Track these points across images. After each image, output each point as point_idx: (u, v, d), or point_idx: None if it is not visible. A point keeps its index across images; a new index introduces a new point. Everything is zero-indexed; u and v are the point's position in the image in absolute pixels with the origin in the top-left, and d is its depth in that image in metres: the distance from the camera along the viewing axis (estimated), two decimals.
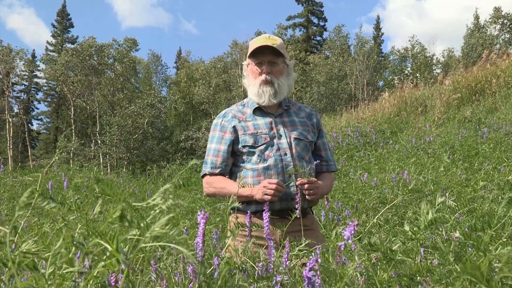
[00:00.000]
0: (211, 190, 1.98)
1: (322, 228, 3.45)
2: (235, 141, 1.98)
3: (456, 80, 11.69)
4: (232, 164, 2.03)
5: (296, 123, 2.03)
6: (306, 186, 1.81)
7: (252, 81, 2.03)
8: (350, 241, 0.89)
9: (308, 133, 2.03)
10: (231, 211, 2.03)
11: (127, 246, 0.56)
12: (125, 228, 0.56)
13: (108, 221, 0.54)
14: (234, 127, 1.99)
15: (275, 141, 1.95)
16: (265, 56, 1.99)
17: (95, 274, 0.61)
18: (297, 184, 1.80)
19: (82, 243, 0.59)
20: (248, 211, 1.50)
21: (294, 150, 1.95)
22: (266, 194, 1.79)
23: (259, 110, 2.04)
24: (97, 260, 0.60)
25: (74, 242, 0.59)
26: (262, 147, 1.93)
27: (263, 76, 1.98)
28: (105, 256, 0.56)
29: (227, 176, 2.02)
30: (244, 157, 1.97)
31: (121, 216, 0.55)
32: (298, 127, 2.02)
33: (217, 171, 1.98)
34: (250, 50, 2.03)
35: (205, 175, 2.02)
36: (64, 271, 0.59)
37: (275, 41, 2.00)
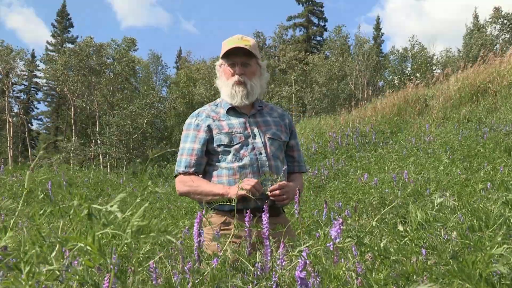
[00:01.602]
0: (185, 189, 1.96)
1: (322, 227, 3.45)
2: (209, 140, 1.98)
3: (459, 80, 11.69)
4: (206, 163, 2.02)
5: (270, 123, 2.05)
6: (277, 192, 1.83)
7: (225, 82, 2.03)
8: (338, 240, 0.89)
9: (281, 133, 2.05)
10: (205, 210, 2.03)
11: (110, 246, 0.56)
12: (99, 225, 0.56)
13: (77, 220, 0.54)
14: (208, 126, 1.99)
15: (250, 140, 1.96)
16: (238, 57, 1.99)
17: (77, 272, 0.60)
18: (269, 190, 1.82)
19: (54, 241, 0.59)
20: (247, 211, 1.50)
21: (269, 150, 1.96)
22: (242, 189, 1.76)
23: (233, 110, 2.04)
24: (77, 257, 0.60)
25: (46, 241, 0.59)
26: (237, 146, 1.94)
27: (236, 77, 1.99)
28: (86, 254, 0.56)
29: (200, 176, 2.00)
30: (219, 156, 1.96)
31: (89, 214, 0.55)
32: (272, 127, 2.03)
33: (191, 170, 1.97)
34: (222, 51, 2.03)
35: (178, 174, 2.00)
36: (43, 270, 0.59)
37: (248, 42, 2.01)
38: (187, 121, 2.08)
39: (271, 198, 1.84)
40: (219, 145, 1.95)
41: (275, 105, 2.32)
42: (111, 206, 0.55)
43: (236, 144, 1.94)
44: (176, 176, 2.02)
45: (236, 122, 2.00)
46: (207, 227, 1.83)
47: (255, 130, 1.99)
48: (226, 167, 1.93)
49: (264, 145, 1.95)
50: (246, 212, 1.63)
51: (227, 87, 2.01)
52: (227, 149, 1.94)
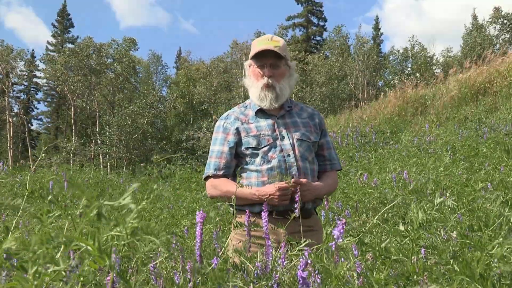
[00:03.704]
0: (217, 193, 1.97)
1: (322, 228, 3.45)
2: (238, 143, 1.99)
3: (459, 80, 11.69)
4: (235, 166, 2.02)
5: (298, 124, 2.03)
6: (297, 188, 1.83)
7: (254, 83, 2.03)
8: (340, 240, 0.89)
9: (310, 133, 2.03)
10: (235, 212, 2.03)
11: (110, 246, 0.56)
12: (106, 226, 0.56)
13: (86, 220, 0.55)
14: (237, 128, 1.99)
15: (278, 142, 1.95)
16: (267, 59, 1.99)
17: (81, 273, 0.61)
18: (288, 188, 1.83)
19: (62, 241, 0.59)
20: (246, 211, 1.51)
21: (297, 151, 1.95)
22: (284, 200, 1.82)
23: (261, 112, 2.04)
24: (82, 258, 0.60)
25: (53, 241, 0.59)
26: (265, 148, 1.94)
27: (265, 80, 1.98)
28: (90, 255, 0.57)
29: (230, 178, 2.01)
30: (247, 159, 1.97)
31: (98, 214, 0.55)
32: (300, 128, 2.02)
33: (221, 173, 1.98)
34: (252, 51, 2.02)
35: (208, 177, 2.02)
36: (49, 271, 0.59)
37: (278, 43, 2.00)
38: (217, 123, 2.10)
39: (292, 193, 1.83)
40: (247, 148, 1.96)
41: (306, 104, 2.29)
42: (124, 198, 0.55)
43: (264, 146, 1.94)
44: (206, 178, 2.03)
45: (264, 124, 2.00)
46: (236, 229, 1.85)
47: (284, 131, 1.99)
48: (255, 169, 1.94)
49: (292, 147, 1.95)
50: (275, 213, 1.67)
51: (256, 89, 2.01)
52: (255, 151, 1.94)
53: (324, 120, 2.26)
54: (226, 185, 1.94)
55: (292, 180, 1.80)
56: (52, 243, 0.59)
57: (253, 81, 2.04)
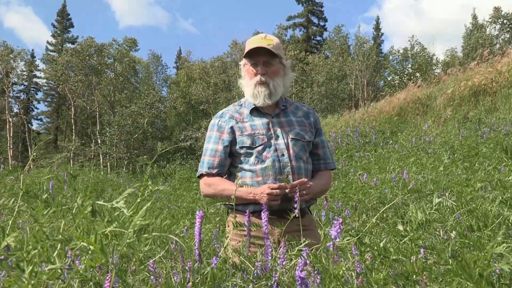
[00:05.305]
0: (210, 192, 1.97)
1: (322, 228, 3.44)
2: (232, 142, 1.98)
3: (459, 80, 11.69)
4: (229, 165, 2.02)
5: (293, 123, 2.03)
6: (297, 188, 1.82)
7: (248, 82, 2.02)
8: (338, 240, 0.89)
9: (305, 132, 2.02)
10: (229, 211, 2.03)
11: (111, 245, 0.56)
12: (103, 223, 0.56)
13: (81, 217, 0.55)
14: (231, 127, 1.98)
15: (273, 141, 1.95)
16: (260, 57, 1.98)
17: (79, 271, 0.61)
18: (289, 185, 1.81)
19: (58, 240, 0.59)
20: (246, 211, 1.50)
21: (291, 151, 1.94)
22: (273, 200, 1.80)
23: (256, 111, 2.03)
24: (80, 256, 0.60)
25: (49, 240, 0.59)
26: (260, 148, 1.93)
27: (258, 77, 1.98)
28: (88, 252, 0.57)
29: (224, 177, 2.00)
30: (242, 158, 1.96)
31: (93, 211, 0.55)
32: (295, 127, 2.01)
33: (215, 171, 1.97)
34: (246, 50, 2.02)
35: (202, 175, 2.01)
36: (45, 269, 0.59)
37: (271, 41, 1.99)
38: (211, 121, 2.09)
39: (290, 195, 1.82)
40: (241, 147, 1.95)
41: (301, 103, 2.28)
42: (117, 202, 0.55)
43: (259, 146, 1.93)
44: (199, 176, 2.03)
45: (259, 123, 1.99)
46: (231, 228, 1.85)
47: (278, 130, 1.98)
48: (249, 169, 1.93)
49: (286, 146, 1.94)
50: (269, 213, 1.66)
51: (250, 87, 2.00)
52: (250, 151, 1.93)
53: (320, 119, 2.24)
54: (220, 184, 1.94)
55: (289, 185, 1.80)
56: (49, 242, 0.59)
57: (247, 80, 2.03)
